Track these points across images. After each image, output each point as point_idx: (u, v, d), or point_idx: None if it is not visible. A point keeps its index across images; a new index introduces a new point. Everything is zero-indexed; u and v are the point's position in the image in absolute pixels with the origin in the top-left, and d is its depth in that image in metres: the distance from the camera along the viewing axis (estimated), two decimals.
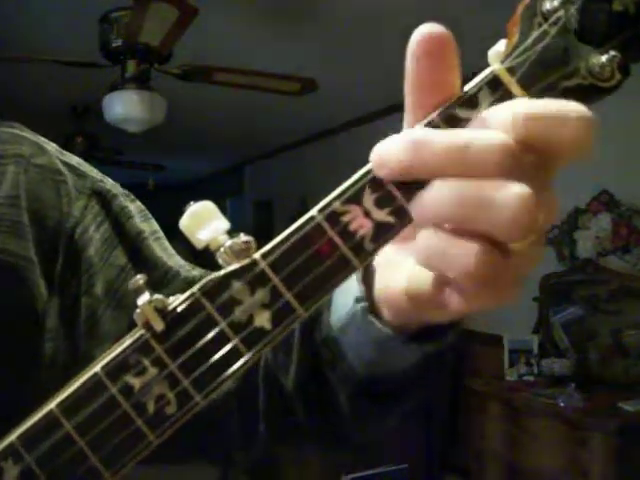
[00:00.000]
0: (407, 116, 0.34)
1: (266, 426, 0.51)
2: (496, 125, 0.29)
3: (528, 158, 0.29)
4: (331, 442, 0.54)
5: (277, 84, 2.86)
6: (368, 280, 0.39)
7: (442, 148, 0.29)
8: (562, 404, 2.67)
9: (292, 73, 2.82)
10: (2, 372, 0.49)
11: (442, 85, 0.31)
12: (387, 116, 4.27)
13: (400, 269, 0.35)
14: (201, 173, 8.27)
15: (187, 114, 4.34)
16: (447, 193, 0.29)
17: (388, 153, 0.30)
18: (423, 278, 0.32)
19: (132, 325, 0.54)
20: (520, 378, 3.10)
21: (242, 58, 3.05)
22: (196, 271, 0.59)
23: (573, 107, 0.29)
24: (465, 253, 0.29)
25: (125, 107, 2.75)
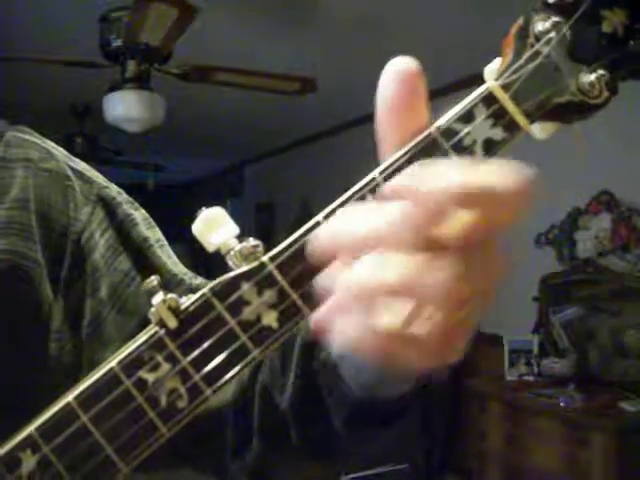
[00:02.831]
0: (380, 138, 0.34)
1: (259, 441, 0.52)
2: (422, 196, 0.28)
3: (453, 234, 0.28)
4: (321, 458, 0.54)
5: (277, 84, 2.87)
6: None
7: (355, 241, 0.29)
8: (562, 404, 2.68)
9: (292, 73, 2.82)
10: (8, 371, 0.50)
11: (411, 109, 0.32)
12: None
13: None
14: (201, 173, 8.27)
15: (187, 114, 4.34)
16: (372, 272, 0.28)
17: (316, 244, 0.31)
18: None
19: (137, 328, 0.54)
20: (520, 378, 3.11)
21: (242, 58, 3.05)
22: (199, 279, 0.60)
23: (504, 179, 0.27)
24: (354, 327, 0.29)
25: (125, 107, 2.75)
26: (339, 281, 0.29)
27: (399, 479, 2.76)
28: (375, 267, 0.28)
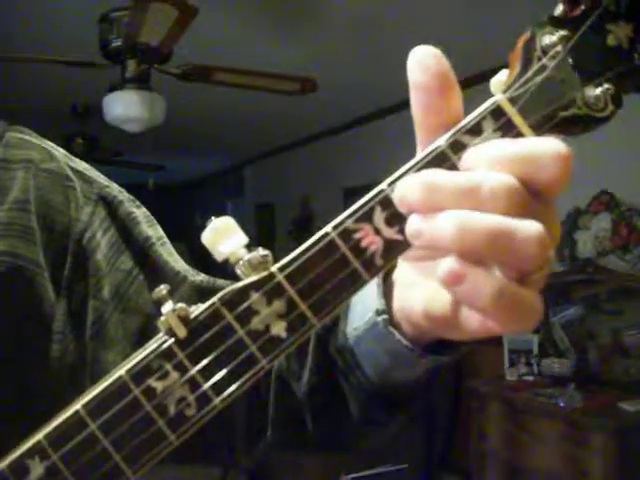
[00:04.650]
0: (417, 134, 0.35)
1: (273, 431, 0.52)
2: (486, 166, 0.31)
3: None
4: (335, 448, 0.55)
5: (277, 84, 2.87)
6: (388, 294, 0.40)
7: (453, 191, 0.31)
8: (562, 404, 2.68)
9: (292, 73, 2.82)
10: (10, 372, 0.50)
11: (444, 105, 0.33)
12: (387, 116, 4.28)
13: (419, 289, 0.36)
14: (201, 173, 8.27)
15: (187, 114, 4.34)
16: (473, 226, 0.30)
17: (406, 193, 0.32)
18: (442, 300, 0.34)
19: (140, 327, 0.55)
20: (520, 378, 3.11)
21: (242, 58, 3.05)
22: (200, 276, 0.60)
23: (550, 145, 0.31)
24: (490, 282, 0.30)
25: (125, 107, 2.75)
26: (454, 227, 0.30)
27: (399, 479, 2.77)
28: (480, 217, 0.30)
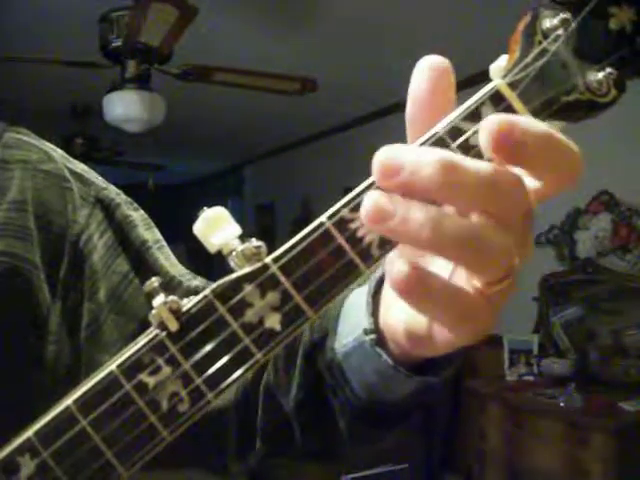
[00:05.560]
0: (409, 128, 0.34)
1: (262, 442, 0.52)
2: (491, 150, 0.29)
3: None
4: (325, 460, 0.54)
5: (277, 84, 2.87)
6: (376, 311, 0.40)
7: (475, 178, 0.28)
8: (562, 404, 2.67)
9: (292, 73, 2.82)
10: (5, 373, 0.49)
11: (441, 103, 0.32)
12: (387, 116, 4.28)
13: (400, 307, 0.36)
14: (201, 173, 8.27)
15: (187, 114, 4.34)
16: (450, 227, 0.28)
17: (417, 166, 0.28)
18: (421, 320, 0.33)
19: (136, 331, 0.54)
20: (520, 378, 3.11)
21: (242, 58, 3.05)
22: (197, 281, 0.60)
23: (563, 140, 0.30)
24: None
25: (125, 107, 2.76)
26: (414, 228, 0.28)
27: (399, 479, 2.77)
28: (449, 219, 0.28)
